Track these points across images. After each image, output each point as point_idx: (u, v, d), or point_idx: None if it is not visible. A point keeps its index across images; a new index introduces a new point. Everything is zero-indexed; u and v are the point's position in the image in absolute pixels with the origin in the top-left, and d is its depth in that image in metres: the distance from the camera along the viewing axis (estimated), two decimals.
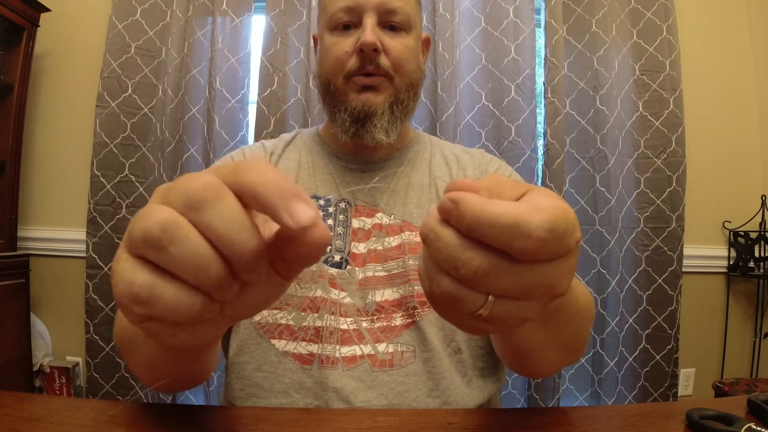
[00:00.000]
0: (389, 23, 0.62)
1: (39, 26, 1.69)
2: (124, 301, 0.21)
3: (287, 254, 0.23)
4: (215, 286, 0.21)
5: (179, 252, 0.20)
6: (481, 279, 0.22)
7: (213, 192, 0.20)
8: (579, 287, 0.44)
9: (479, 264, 0.21)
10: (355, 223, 0.63)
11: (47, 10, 1.70)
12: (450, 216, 0.22)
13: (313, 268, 0.59)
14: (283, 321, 0.58)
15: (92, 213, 1.65)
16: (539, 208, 0.21)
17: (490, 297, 0.22)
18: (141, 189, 1.68)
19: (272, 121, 1.61)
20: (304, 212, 0.20)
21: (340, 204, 0.64)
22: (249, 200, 0.21)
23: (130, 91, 1.68)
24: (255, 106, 1.64)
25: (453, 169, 0.68)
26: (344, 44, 0.61)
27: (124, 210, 1.67)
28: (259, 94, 1.62)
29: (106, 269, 1.64)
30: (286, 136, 0.73)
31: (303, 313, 0.58)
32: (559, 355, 0.48)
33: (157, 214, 0.20)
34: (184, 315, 0.21)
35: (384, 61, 0.61)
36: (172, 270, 0.21)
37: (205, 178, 0.21)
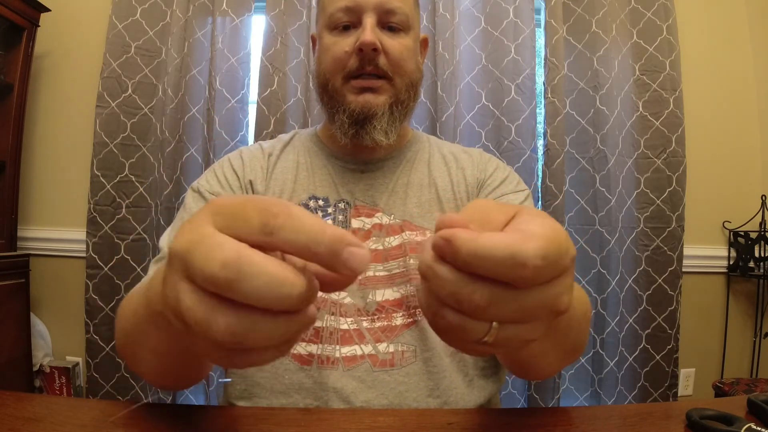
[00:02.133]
0: (388, 24, 0.62)
1: (39, 26, 1.69)
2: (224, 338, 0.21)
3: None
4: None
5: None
6: (483, 310, 0.22)
7: (234, 272, 0.20)
8: (575, 292, 0.43)
9: (480, 297, 0.22)
10: (355, 224, 0.63)
11: (47, 10, 1.70)
12: (445, 254, 0.22)
13: None
14: None
15: (92, 213, 1.64)
16: (532, 235, 0.21)
17: (494, 324, 0.23)
18: (141, 189, 1.68)
19: (272, 121, 1.61)
20: (360, 260, 0.22)
21: (339, 204, 0.64)
22: (290, 252, 0.22)
23: (130, 91, 1.68)
24: (255, 106, 1.64)
25: (452, 169, 0.68)
26: (343, 44, 0.61)
27: (124, 210, 1.66)
28: (259, 94, 1.62)
29: (106, 269, 1.64)
30: (284, 137, 0.72)
31: None
32: (560, 358, 0.48)
33: (187, 302, 0.22)
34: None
35: (383, 61, 0.60)
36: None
37: (221, 255, 0.21)
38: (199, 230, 0.22)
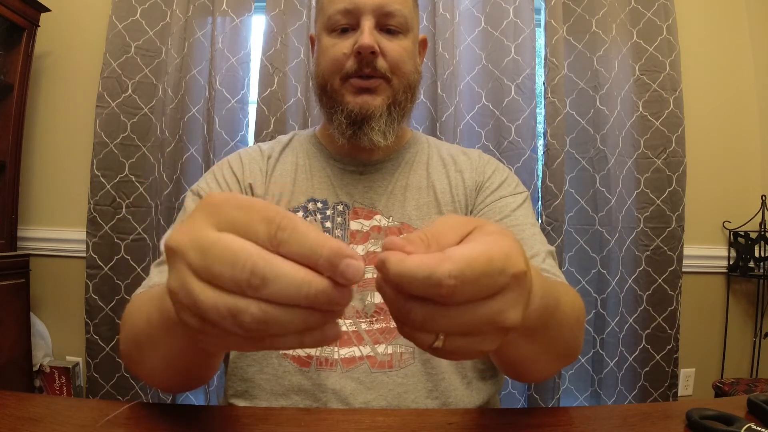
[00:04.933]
0: (387, 26, 0.62)
1: (39, 26, 1.69)
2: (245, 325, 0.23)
3: None
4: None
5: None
6: (421, 325, 0.24)
7: (260, 278, 0.22)
8: (566, 297, 0.43)
9: (416, 314, 0.24)
10: (354, 226, 0.63)
11: (47, 10, 1.70)
12: (382, 275, 0.24)
13: None
14: None
15: (92, 213, 1.64)
16: (450, 257, 0.23)
17: (440, 335, 0.25)
18: (141, 189, 1.68)
19: (272, 121, 1.61)
20: (354, 271, 0.22)
21: (338, 207, 0.64)
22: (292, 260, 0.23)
23: (130, 91, 1.68)
24: (255, 106, 1.63)
25: (450, 172, 0.68)
26: (342, 46, 0.61)
27: (124, 210, 1.66)
28: (259, 94, 1.62)
29: (106, 269, 1.64)
30: (283, 139, 0.72)
31: None
32: (552, 362, 0.48)
33: (209, 302, 0.23)
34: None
35: (382, 63, 0.60)
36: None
37: (238, 260, 0.22)
38: (203, 231, 0.23)
